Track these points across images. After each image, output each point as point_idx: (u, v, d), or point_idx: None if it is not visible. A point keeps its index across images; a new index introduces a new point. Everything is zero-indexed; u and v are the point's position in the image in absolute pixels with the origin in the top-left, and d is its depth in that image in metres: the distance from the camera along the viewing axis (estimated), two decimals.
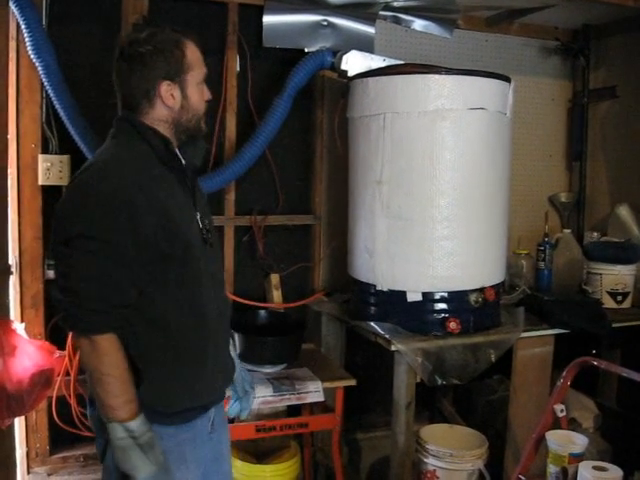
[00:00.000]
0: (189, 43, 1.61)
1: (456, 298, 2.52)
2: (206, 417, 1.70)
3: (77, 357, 2.55)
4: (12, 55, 2.57)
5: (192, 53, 1.61)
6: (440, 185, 2.46)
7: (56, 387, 2.58)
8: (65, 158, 2.66)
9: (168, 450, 1.58)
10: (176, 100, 1.60)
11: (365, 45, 3.04)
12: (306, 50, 2.99)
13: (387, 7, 3.10)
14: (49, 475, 2.76)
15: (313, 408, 2.78)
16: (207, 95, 1.68)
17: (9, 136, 2.58)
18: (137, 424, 1.49)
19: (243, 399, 1.91)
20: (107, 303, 1.47)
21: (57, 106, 2.57)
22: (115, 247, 1.47)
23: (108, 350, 1.48)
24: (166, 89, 1.58)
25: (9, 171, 2.59)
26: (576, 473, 2.01)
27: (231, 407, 1.91)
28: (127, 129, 1.61)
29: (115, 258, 1.47)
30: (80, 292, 1.46)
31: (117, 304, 1.49)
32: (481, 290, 2.55)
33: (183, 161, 1.67)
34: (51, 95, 2.56)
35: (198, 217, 1.66)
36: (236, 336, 2.51)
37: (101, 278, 1.46)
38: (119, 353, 1.50)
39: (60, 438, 2.78)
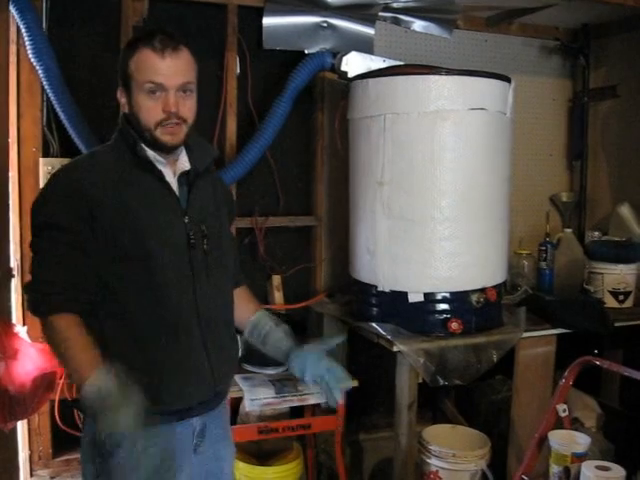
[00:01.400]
0: (142, 48, 1.55)
1: (458, 298, 2.52)
2: (187, 425, 1.66)
3: None
4: (12, 59, 2.57)
5: (143, 58, 1.55)
6: (441, 185, 2.46)
7: (58, 390, 2.57)
8: (66, 161, 2.65)
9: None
10: (128, 106, 1.61)
11: (365, 46, 3.04)
12: (306, 52, 3.00)
13: (387, 8, 3.10)
14: (52, 478, 2.76)
15: (315, 409, 2.78)
16: (163, 105, 1.55)
17: (10, 140, 2.59)
18: (103, 372, 1.42)
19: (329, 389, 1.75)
20: (61, 285, 1.50)
21: (58, 109, 2.58)
22: (74, 235, 1.51)
23: (63, 327, 1.49)
24: (119, 94, 1.62)
25: (10, 175, 2.60)
26: (579, 473, 2.01)
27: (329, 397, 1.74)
28: (118, 130, 1.66)
29: (73, 244, 1.51)
30: (39, 276, 1.53)
31: (72, 287, 1.51)
32: (483, 290, 2.55)
33: (186, 164, 1.67)
34: (52, 98, 2.56)
35: (186, 221, 1.63)
36: (238, 338, 2.50)
37: (57, 262, 1.51)
38: (77, 328, 1.50)
39: (63, 441, 2.78)
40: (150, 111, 1.56)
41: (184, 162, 1.67)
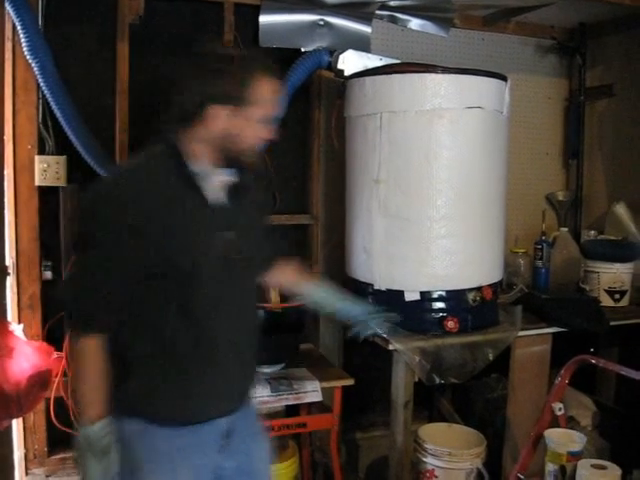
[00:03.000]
0: (264, 79, 1.56)
1: (454, 297, 2.52)
2: (214, 427, 1.66)
3: None
4: (8, 56, 2.56)
5: (261, 90, 1.56)
6: (437, 184, 2.46)
7: (54, 388, 2.57)
8: (62, 159, 2.65)
9: (161, 451, 1.59)
10: (221, 128, 1.55)
11: (362, 44, 3.03)
12: (303, 50, 2.98)
13: (383, 6, 3.09)
14: (47, 476, 2.75)
15: (311, 408, 2.77)
16: (266, 134, 1.64)
17: (5, 137, 2.58)
18: (94, 430, 1.52)
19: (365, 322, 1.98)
20: (101, 308, 1.55)
21: (53, 107, 2.57)
22: (113, 254, 1.52)
23: (86, 352, 1.54)
24: (215, 113, 1.53)
25: (5, 172, 2.59)
26: (574, 471, 2.01)
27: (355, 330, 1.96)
28: (159, 141, 1.61)
29: (110, 265, 1.53)
30: (74, 292, 1.58)
31: (110, 311, 1.55)
32: (479, 289, 2.55)
33: (232, 177, 1.65)
34: (47, 96, 2.55)
35: (225, 238, 1.62)
36: None
37: (92, 283, 1.54)
38: (97, 357, 1.54)
39: (58, 439, 2.77)
40: (254, 137, 1.62)
41: (230, 174, 1.65)
